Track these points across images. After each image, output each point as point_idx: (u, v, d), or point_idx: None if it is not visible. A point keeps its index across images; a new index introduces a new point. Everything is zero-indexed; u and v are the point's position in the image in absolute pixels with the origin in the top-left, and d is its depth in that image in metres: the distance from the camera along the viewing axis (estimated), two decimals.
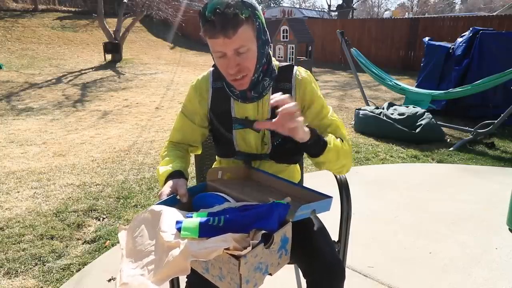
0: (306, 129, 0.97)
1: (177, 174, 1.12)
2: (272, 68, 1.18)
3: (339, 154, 1.09)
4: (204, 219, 0.87)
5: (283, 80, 1.19)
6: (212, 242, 0.80)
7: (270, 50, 1.19)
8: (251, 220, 0.85)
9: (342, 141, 1.13)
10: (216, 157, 1.38)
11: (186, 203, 1.06)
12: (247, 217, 0.86)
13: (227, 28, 0.96)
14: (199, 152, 1.39)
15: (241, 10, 0.98)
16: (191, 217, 0.91)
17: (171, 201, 1.03)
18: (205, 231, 0.84)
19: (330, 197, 0.99)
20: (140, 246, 0.93)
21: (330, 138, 1.08)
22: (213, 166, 1.45)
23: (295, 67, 1.22)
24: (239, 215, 0.88)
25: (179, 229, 0.86)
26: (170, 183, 1.07)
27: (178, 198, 1.05)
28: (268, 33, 1.12)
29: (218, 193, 1.07)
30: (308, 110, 1.19)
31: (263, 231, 0.83)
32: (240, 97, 1.17)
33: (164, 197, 1.02)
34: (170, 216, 0.93)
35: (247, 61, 1.05)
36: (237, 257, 0.78)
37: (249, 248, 0.79)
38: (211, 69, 1.26)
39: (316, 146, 1.04)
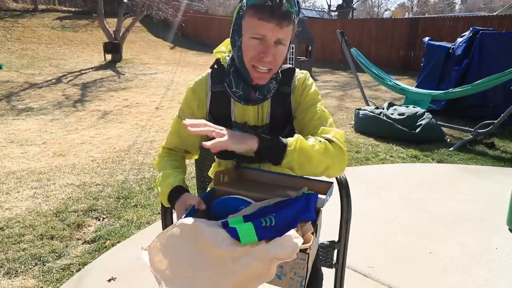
0: (247, 138, 0.94)
1: (178, 190, 1.10)
2: (278, 72, 1.18)
3: (311, 155, 0.97)
4: (255, 222, 0.88)
5: (284, 84, 1.20)
6: (288, 241, 0.81)
7: None
8: (297, 215, 0.91)
9: (329, 141, 1.03)
10: (215, 158, 1.37)
11: (203, 211, 1.04)
12: (292, 212, 0.91)
13: (283, 18, 0.99)
14: (196, 157, 1.36)
15: (294, 9, 1.02)
16: (227, 224, 0.89)
17: (193, 212, 1.01)
18: (262, 233, 0.86)
19: (332, 182, 1.05)
20: (182, 267, 0.86)
21: (293, 139, 0.97)
22: (212, 168, 1.44)
23: (296, 71, 1.22)
24: (285, 212, 0.91)
25: (237, 238, 0.84)
26: (179, 206, 1.06)
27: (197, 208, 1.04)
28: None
29: (236, 196, 1.05)
30: (300, 104, 1.19)
31: (310, 222, 0.90)
32: (243, 99, 1.15)
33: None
34: (210, 227, 0.88)
35: (280, 55, 1.07)
36: (304, 251, 0.81)
37: (312, 239, 0.84)
38: (209, 71, 1.23)
39: (271, 152, 0.96)
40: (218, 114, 1.20)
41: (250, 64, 1.07)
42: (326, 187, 1.04)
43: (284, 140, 0.96)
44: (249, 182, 1.18)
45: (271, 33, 1.01)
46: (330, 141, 1.03)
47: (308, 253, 0.81)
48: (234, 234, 0.85)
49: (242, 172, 1.21)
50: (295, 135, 1.00)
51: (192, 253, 0.86)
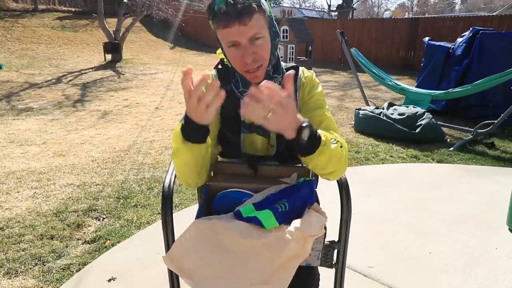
0: (293, 125, 0.85)
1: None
2: (281, 67, 1.18)
3: (330, 158, 0.96)
4: (273, 209, 0.93)
5: None
6: (315, 219, 0.90)
7: (278, 50, 1.17)
8: (305, 199, 1.01)
9: (334, 140, 1.01)
10: (218, 156, 1.36)
11: (205, 207, 1.06)
12: (301, 197, 1.00)
13: (242, 15, 0.97)
14: (219, 150, 1.26)
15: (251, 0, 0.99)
16: (240, 213, 0.94)
17: (201, 211, 1.04)
18: (281, 218, 0.92)
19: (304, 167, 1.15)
20: (212, 267, 0.86)
21: (325, 137, 0.94)
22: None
23: (300, 68, 1.22)
24: (295, 197, 1.00)
25: (260, 225, 0.89)
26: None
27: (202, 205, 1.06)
28: (276, 26, 1.12)
29: (237, 189, 1.08)
30: (305, 103, 1.19)
31: (315, 203, 1.01)
32: None
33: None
34: (228, 221, 0.91)
35: (262, 50, 1.04)
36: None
37: (326, 216, 0.95)
38: (214, 72, 1.22)
39: (307, 145, 0.90)
40: (228, 114, 1.19)
41: (241, 71, 1.09)
42: (305, 172, 1.13)
43: (320, 135, 0.91)
44: (237, 175, 1.19)
45: (239, 36, 0.99)
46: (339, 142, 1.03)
47: (326, 228, 0.90)
48: (256, 222, 0.89)
49: (222, 166, 1.22)
50: (325, 133, 0.96)
51: (218, 251, 0.88)
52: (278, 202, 0.97)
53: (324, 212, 0.97)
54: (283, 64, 1.21)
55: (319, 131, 0.94)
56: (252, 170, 1.19)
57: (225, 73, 1.20)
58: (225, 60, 1.22)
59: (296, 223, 0.90)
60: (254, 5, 0.99)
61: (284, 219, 0.92)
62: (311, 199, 1.03)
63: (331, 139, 0.97)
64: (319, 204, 1.03)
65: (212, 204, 1.08)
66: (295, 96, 1.18)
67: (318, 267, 1.23)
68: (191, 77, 0.82)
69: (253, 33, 1.00)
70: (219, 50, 1.26)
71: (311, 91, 1.18)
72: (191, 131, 0.92)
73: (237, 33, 0.98)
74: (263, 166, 1.18)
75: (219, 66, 1.23)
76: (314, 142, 0.91)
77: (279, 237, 0.85)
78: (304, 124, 0.87)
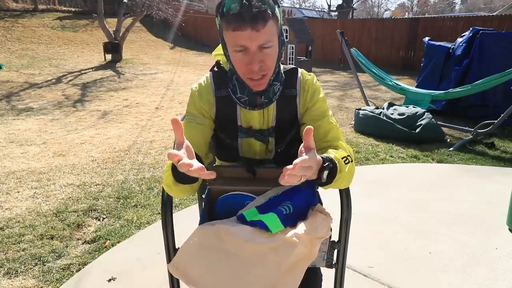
0: (316, 170, 0.86)
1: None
2: (280, 72, 1.13)
3: (345, 179, 0.98)
4: (277, 212, 0.92)
5: (289, 86, 1.15)
6: (321, 221, 0.90)
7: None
8: (308, 200, 1.00)
9: (346, 160, 0.98)
10: (216, 159, 1.33)
11: (207, 211, 1.05)
12: (304, 199, 0.99)
13: (256, 20, 0.92)
14: (210, 159, 1.24)
15: (268, 5, 0.95)
16: (243, 217, 0.93)
17: (203, 217, 1.04)
18: (286, 221, 0.91)
19: None
20: (218, 273, 0.85)
21: (339, 163, 0.93)
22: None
23: (299, 71, 1.18)
24: (298, 199, 0.98)
25: (266, 228, 0.88)
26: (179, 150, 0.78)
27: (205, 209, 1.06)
28: (284, 34, 1.08)
29: (240, 192, 1.07)
30: (308, 111, 1.15)
31: (318, 204, 1.00)
32: (248, 104, 1.11)
33: (175, 152, 0.73)
34: (233, 226, 0.89)
35: (269, 59, 1.00)
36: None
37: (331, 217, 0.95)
38: (210, 75, 1.18)
39: (326, 181, 0.91)
40: (224, 119, 1.16)
41: (244, 77, 1.05)
42: None
43: (334, 165, 0.91)
44: (236, 178, 1.18)
45: (250, 41, 0.94)
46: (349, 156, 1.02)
47: (331, 229, 0.91)
48: (262, 225, 0.88)
49: (220, 171, 1.20)
50: (332, 151, 0.97)
51: (223, 256, 0.86)
52: (282, 205, 0.95)
53: (329, 212, 0.96)
54: (282, 67, 1.16)
55: (333, 157, 0.92)
56: (251, 174, 1.17)
57: (221, 76, 1.15)
58: (221, 62, 1.19)
59: (302, 225, 0.88)
60: (269, 11, 0.94)
61: (289, 221, 0.90)
62: (314, 200, 1.01)
63: (343, 159, 0.96)
64: (322, 205, 1.02)
65: (213, 208, 1.07)
66: (295, 102, 1.15)
67: (320, 267, 1.23)
68: (181, 132, 0.78)
69: (265, 40, 0.96)
70: (215, 52, 1.22)
71: (313, 97, 1.15)
72: (183, 176, 0.85)
73: (248, 38, 0.94)
74: (262, 169, 1.16)
75: (215, 69, 1.19)
76: (332, 175, 0.91)
77: (286, 240, 0.84)
78: (325, 164, 0.88)
